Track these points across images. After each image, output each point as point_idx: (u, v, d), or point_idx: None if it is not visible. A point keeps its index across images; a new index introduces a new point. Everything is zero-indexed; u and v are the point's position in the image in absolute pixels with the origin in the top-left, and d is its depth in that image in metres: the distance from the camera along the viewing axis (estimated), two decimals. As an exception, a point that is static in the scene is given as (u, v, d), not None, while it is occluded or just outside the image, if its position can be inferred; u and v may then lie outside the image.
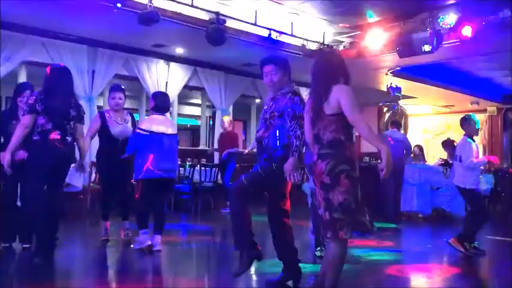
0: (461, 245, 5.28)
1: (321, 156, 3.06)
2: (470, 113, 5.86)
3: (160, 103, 5.14)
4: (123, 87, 5.68)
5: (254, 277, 4.26)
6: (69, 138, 4.43)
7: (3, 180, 4.87)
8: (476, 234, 5.37)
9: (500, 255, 5.89)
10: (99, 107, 9.36)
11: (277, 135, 3.55)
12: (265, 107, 3.70)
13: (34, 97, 4.36)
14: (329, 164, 3.00)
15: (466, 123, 5.52)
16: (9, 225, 4.84)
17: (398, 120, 9.12)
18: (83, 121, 4.66)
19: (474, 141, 5.47)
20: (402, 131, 9.47)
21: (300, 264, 3.76)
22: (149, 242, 4.95)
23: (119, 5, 6.32)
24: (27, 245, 4.85)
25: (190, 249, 5.93)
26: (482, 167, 5.51)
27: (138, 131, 5.00)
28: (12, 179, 4.57)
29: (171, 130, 5.06)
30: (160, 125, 5.00)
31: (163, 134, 4.96)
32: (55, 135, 4.30)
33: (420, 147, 10.04)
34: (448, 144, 8.72)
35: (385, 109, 11.68)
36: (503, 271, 4.89)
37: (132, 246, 5.21)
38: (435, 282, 4.42)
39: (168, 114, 5.27)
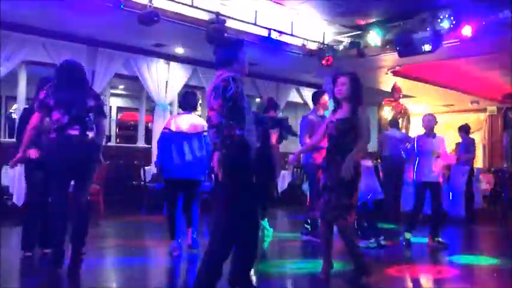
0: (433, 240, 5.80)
1: None
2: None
3: (183, 101, 5.09)
4: None
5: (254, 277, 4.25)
6: (90, 134, 3.99)
7: (29, 183, 4.58)
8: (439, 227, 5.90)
9: (501, 254, 5.89)
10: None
11: None
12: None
13: (44, 91, 4.03)
14: None
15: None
16: (34, 231, 4.56)
17: (397, 120, 9.10)
18: (103, 113, 4.18)
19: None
20: (404, 130, 9.45)
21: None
22: (176, 252, 4.80)
23: (122, 5, 6.30)
24: (48, 250, 4.51)
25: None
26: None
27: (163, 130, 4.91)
28: (38, 180, 4.37)
29: (192, 129, 4.88)
30: (182, 123, 4.87)
31: (182, 132, 4.83)
32: (73, 131, 3.89)
33: None
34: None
35: (386, 109, 11.63)
36: (502, 271, 4.90)
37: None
38: (435, 282, 4.42)
39: (195, 112, 5.13)
